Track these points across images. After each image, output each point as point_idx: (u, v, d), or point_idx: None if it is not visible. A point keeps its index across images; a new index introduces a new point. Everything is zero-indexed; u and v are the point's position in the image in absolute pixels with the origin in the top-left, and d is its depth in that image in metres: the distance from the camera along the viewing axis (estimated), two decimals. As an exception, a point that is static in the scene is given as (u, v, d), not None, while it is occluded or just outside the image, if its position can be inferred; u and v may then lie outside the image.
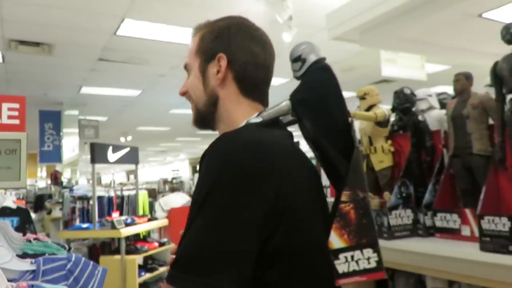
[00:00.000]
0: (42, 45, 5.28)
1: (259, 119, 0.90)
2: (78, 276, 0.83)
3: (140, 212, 5.65)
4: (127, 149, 5.22)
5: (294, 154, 0.88)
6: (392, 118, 1.95)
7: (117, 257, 4.58)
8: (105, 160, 4.94)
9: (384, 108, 1.84)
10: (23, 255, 0.98)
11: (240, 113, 0.94)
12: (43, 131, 8.10)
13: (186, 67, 1.03)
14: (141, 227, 4.96)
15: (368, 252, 0.80)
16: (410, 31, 2.67)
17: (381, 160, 1.80)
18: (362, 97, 1.81)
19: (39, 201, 7.98)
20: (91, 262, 0.88)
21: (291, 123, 0.93)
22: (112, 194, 5.43)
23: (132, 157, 5.37)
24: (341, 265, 0.80)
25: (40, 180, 14.25)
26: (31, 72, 6.53)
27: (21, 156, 1.14)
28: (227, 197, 0.76)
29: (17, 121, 1.28)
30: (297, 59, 0.96)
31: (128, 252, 4.73)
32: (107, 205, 5.19)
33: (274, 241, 0.77)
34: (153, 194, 9.38)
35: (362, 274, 0.80)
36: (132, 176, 22.92)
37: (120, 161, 5.11)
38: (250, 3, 4.30)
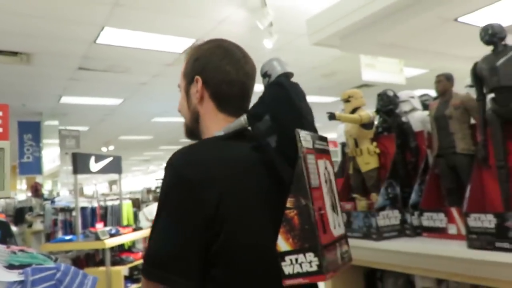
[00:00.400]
0: (20, 55, 5.18)
1: (221, 133, 1.03)
2: (68, 285, 0.81)
3: (125, 222, 5.56)
4: (110, 159, 5.15)
5: (245, 165, 0.98)
6: (376, 120, 1.97)
7: (102, 268, 4.50)
8: (87, 171, 4.86)
9: (368, 111, 1.86)
10: (9, 267, 0.95)
11: (216, 127, 1.06)
12: (22, 143, 7.92)
13: (178, 87, 1.17)
14: (126, 238, 4.88)
15: (310, 256, 0.86)
16: (388, 36, 2.71)
17: (367, 161, 1.81)
18: (346, 100, 1.83)
19: (19, 214, 7.77)
20: (81, 271, 0.86)
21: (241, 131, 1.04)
22: (95, 204, 5.34)
23: (115, 167, 5.30)
24: (287, 267, 0.88)
25: (20, 192, 13.90)
26: (9, 82, 6.39)
27: (4, 165, 1.11)
28: (173, 205, 0.94)
29: (0, 130, 1.24)
30: (264, 75, 1.05)
31: (114, 263, 4.65)
32: (91, 216, 5.10)
33: (217, 243, 0.91)
34: (137, 204, 9.25)
35: (305, 277, 0.87)
36: (114, 187, 22.57)
37: (103, 171, 5.04)
38: (230, 11, 4.31)
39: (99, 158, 4.95)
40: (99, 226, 4.79)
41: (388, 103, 1.92)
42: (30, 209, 7.87)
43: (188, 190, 0.92)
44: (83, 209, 5.08)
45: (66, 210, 5.12)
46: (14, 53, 5.14)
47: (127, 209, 5.83)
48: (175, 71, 6.19)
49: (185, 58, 1.15)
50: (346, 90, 1.87)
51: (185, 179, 0.93)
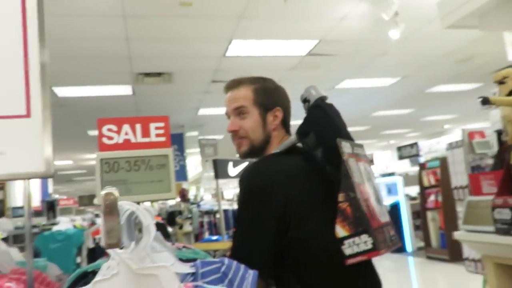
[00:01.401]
0: (163, 75, 5.82)
1: (277, 150, 1.30)
2: (232, 278, 0.87)
3: (262, 224, 5.79)
4: (246, 163, 5.43)
5: (297, 174, 1.23)
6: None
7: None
8: (226, 175, 5.20)
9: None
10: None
11: (275, 146, 1.34)
12: (170, 153, 8.83)
13: (239, 109, 1.36)
14: (264, 238, 5.08)
15: (365, 237, 1.06)
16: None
17: (531, 149, 1.59)
18: (500, 82, 1.63)
19: (171, 217, 8.69)
20: (242, 266, 0.92)
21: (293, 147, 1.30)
22: (235, 207, 5.68)
23: (250, 171, 5.56)
24: (347, 249, 1.07)
25: (169, 198, 15.52)
26: (156, 101, 7.23)
27: (169, 169, 1.27)
28: (251, 211, 1.19)
29: (163, 139, 1.43)
30: (304, 101, 1.31)
31: (255, 262, 4.88)
32: (232, 218, 5.45)
33: (287, 236, 1.15)
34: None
35: (363, 254, 1.06)
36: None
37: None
38: (351, 6, 4.21)
39: (236, 163, 5.26)
40: (240, 227, 5.07)
41: (552, 81, 1.65)
42: (180, 212, 8.73)
43: (260, 197, 1.18)
44: (225, 211, 5.44)
45: (210, 212, 5.55)
46: (159, 74, 5.79)
47: (264, 211, 6.05)
48: (298, 74, 6.28)
49: (245, 87, 1.38)
50: (484, 76, 1.67)
51: (256, 188, 1.20)
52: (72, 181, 19.32)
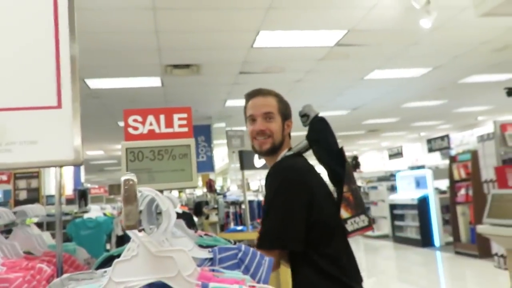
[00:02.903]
0: (191, 67, 5.89)
1: (290, 153, 1.63)
2: (248, 264, 0.90)
3: (288, 215, 5.81)
4: (271, 155, 5.44)
5: (313, 171, 1.59)
6: None
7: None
8: (252, 166, 5.23)
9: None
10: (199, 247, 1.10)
11: (286, 148, 1.67)
12: (197, 144, 8.97)
13: (268, 113, 1.65)
14: (290, 229, 5.10)
15: (362, 217, 1.50)
16: None
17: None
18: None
19: (198, 207, 8.85)
20: (258, 252, 0.94)
21: (304, 151, 1.65)
22: (260, 198, 5.72)
23: (276, 162, 5.58)
24: (349, 226, 1.49)
25: (197, 188, 15.86)
26: (184, 92, 7.33)
27: (191, 159, 1.32)
28: (285, 198, 1.48)
29: (186, 129, 1.48)
30: (303, 116, 1.67)
31: (280, 253, 4.91)
32: (257, 209, 5.49)
33: (312, 218, 1.46)
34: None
35: (361, 230, 1.49)
36: (276, 182, 23.74)
37: (266, 166, 5.35)
38: (382, -6, 4.13)
39: (261, 154, 5.28)
40: (265, 218, 5.09)
41: None
42: (206, 203, 8.87)
43: (294, 186, 1.48)
44: (250, 202, 5.48)
45: (236, 203, 5.61)
46: (187, 66, 5.86)
47: (289, 202, 6.05)
48: (327, 65, 6.22)
49: (273, 97, 1.68)
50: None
51: (291, 179, 1.50)
52: (104, 170, 19.89)
